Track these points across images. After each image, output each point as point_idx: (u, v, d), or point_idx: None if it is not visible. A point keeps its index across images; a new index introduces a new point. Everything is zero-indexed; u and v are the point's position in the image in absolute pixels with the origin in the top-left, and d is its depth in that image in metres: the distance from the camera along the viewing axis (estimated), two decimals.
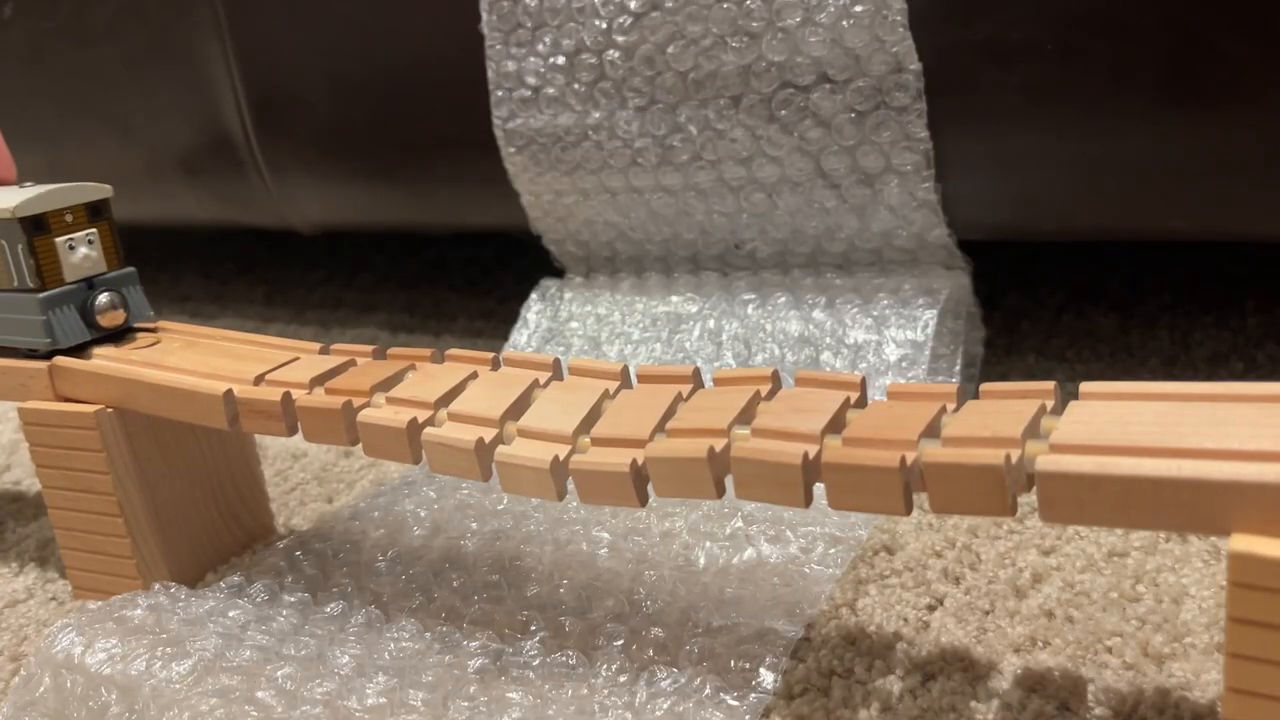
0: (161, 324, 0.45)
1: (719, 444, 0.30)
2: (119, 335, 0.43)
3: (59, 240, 0.41)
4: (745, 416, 0.31)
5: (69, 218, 0.41)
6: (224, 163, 0.71)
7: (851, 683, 0.34)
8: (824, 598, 0.38)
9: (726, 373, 0.34)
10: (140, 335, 0.44)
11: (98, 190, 0.42)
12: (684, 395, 0.33)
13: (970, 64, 0.47)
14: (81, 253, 0.42)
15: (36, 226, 0.41)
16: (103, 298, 0.42)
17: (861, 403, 0.32)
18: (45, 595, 0.45)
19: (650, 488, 0.31)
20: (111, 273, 0.43)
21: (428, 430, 0.34)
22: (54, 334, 0.41)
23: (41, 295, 0.41)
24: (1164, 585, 0.37)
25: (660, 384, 0.34)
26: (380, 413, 0.35)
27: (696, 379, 0.34)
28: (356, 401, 0.36)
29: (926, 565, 0.40)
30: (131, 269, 0.44)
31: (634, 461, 0.31)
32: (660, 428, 0.32)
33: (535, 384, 0.35)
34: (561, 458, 0.32)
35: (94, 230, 0.42)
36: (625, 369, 0.35)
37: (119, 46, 0.70)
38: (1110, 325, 0.62)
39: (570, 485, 0.32)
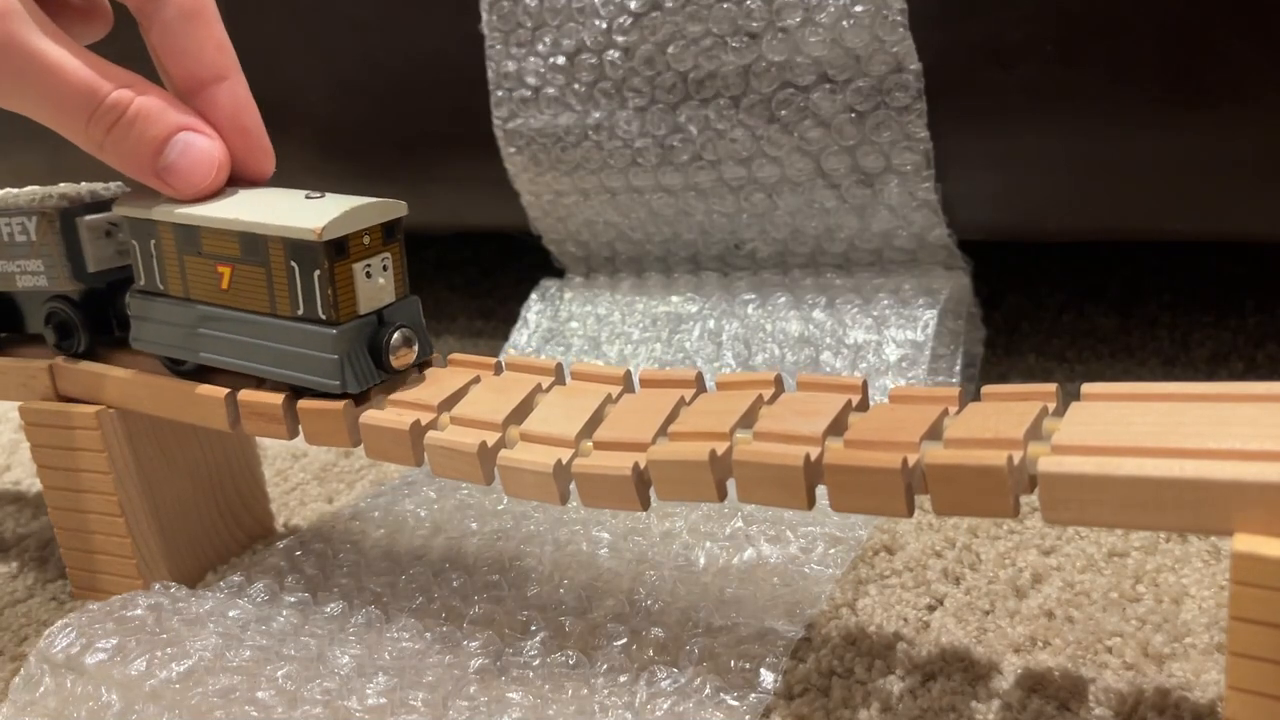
0: None
1: (721, 447, 0.30)
2: (403, 374, 0.37)
3: (356, 266, 0.35)
4: (747, 420, 0.31)
5: (366, 239, 0.35)
6: None
7: (851, 683, 0.34)
8: (824, 598, 0.38)
9: (729, 377, 0.34)
10: (426, 373, 0.38)
11: (395, 207, 0.36)
12: (686, 399, 0.33)
13: (970, 64, 0.47)
14: (378, 281, 0.36)
15: (338, 250, 0.35)
16: (397, 335, 0.36)
17: (863, 406, 0.32)
18: (45, 595, 0.45)
19: (652, 491, 0.32)
20: (398, 302, 0.37)
21: (430, 434, 0.34)
22: (344, 376, 0.35)
23: (336, 330, 0.35)
24: (1164, 585, 0.37)
25: (663, 388, 0.34)
26: (383, 416, 0.35)
27: (699, 384, 0.34)
28: (358, 404, 0.36)
29: (926, 565, 0.40)
30: (416, 297, 0.37)
31: (636, 465, 0.31)
32: (662, 431, 0.32)
33: (538, 388, 0.35)
34: (564, 461, 0.32)
35: (388, 254, 0.36)
36: (628, 373, 0.35)
37: (118, 47, 0.70)
38: (1110, 325, 0.62)
39: (572, 488, 0.33)
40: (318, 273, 0.34)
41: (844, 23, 0.48)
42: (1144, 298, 0.65)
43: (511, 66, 0.57)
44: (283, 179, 0.69)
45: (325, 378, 0.35)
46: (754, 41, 0.50)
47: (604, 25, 0.54)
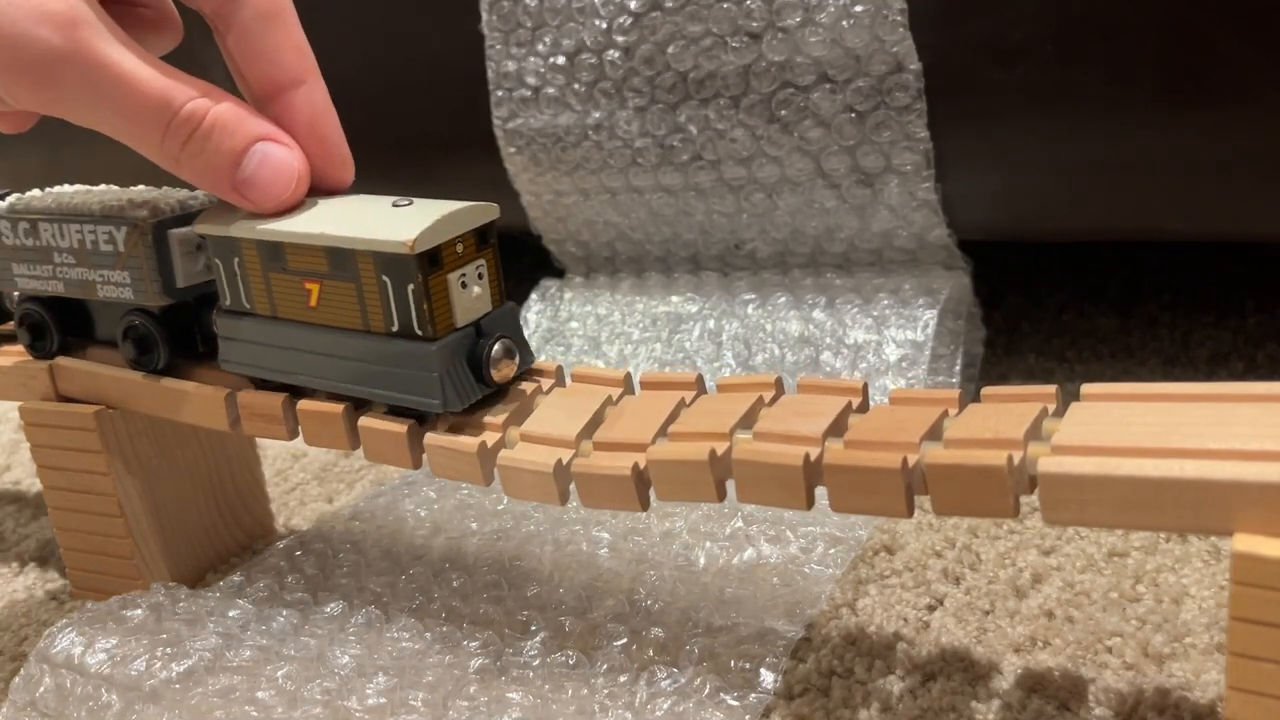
0: None
1: (721, 447, 0.30)
2: (504, 388, 0.35)
3: (451, 276, 0.33)
4: (747, 421, 0.31)
5: (459, 248, 0.33)
6: None
7: (851, 683, 0.34)
8: (824, 598, 0.38)
9: (729, 379, 0.34)
10: (524, 384, 0.36)
11: (488, 211, 0.34)
12: (687, 401, 0.33)
13: (970, 64, 0.47)
14: (474, 291, 0.34)
15: (431, 262, 0.33)
16: (498, 347, 0.34)
17: (863, 407, 0.32)
18: (45, 595, 0.45)
19: (652, 491, 0.32)
20: (495, 311, 0.35)
21: (430, 434, 0.34)
22: (446, 394, 0.33)
23: (435, 346, 0.33)
24: (1164, 585, 0.37)
25: (663, 390, 0.34)
26: (381, 418, 0.35)
27: (699, 386, 0.34)
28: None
29: (926, 565, 0.40)
30: (513, 304, 0.36)
31: (636, 465, 0.31)
32: (662, 432, 0.32)
33: (538, 390, 0.35)
34: (564, 461, 0.32)
35: (482, 261, 0.34)
36: (628, 376, 0.35)
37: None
38: (1110, 325, 0.62)
39: (572, 489, 0.33)
40: (411, 286, 0.33)
41: (844, 23, 0.48)
42: (1144, 298, 0.65)
43: (511, 66, 0.57)
44: None
45: (425, 396, 0.33)
46: (754, 41, 0.50)
47: (604, 25, 0.54)
